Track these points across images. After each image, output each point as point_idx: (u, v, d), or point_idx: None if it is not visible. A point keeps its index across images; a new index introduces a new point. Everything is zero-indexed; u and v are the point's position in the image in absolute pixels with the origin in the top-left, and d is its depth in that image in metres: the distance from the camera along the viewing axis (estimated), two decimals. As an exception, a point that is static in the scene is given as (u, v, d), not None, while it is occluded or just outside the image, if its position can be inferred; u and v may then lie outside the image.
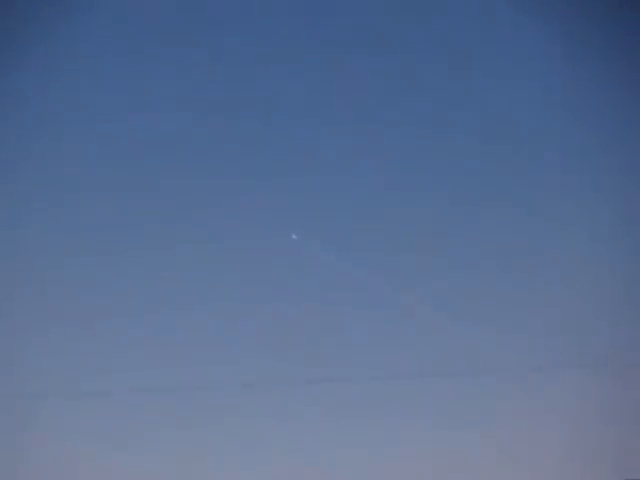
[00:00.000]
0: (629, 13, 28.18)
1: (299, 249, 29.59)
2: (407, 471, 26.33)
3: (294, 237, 28.40)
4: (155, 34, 32.75)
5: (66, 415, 27.86)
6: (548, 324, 28.03)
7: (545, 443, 25.85)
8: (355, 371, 28.49)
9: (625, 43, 28.42)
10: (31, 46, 30.87)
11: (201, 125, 32.84)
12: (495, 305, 29.11)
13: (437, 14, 32.23)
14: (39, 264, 30.59)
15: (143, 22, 32.66)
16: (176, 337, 30.10)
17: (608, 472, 24.72)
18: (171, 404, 28.40)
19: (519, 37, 30.56)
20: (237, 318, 30.41)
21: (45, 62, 31.53)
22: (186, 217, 31.70)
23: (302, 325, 29.89)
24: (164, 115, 32.63)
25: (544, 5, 29.36)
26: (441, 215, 30.97)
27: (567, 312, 27.84)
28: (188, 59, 32.88)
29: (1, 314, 29.25)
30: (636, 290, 27.08)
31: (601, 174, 29.50)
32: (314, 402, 28.19)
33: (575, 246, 28.96)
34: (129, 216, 31.77)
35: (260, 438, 27.93)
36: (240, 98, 32.74)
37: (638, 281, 27.21)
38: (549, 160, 30.71)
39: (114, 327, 30.05)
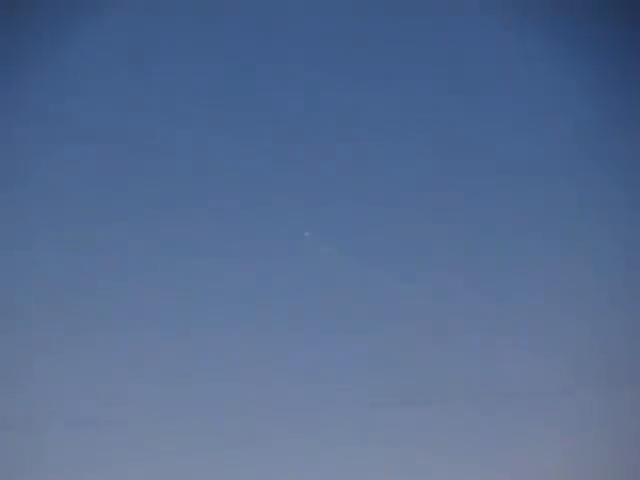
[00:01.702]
0: (628, 14, 28.27)
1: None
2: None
3: (306, 234, 28.31)
4: (156, 36, 32.88)
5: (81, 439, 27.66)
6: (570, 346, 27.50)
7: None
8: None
9: (624, 44, 28.48)
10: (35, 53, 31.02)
11: (206, 128, 32.88)
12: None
13: (435, 18, 32.38)
14: (42, 280, 30.54)
15: (146, 25, 32.79)
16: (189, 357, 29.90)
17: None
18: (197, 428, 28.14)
19: (519, 43, 30.59)
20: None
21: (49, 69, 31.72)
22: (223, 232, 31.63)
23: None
24: (165, 118, 32.68)
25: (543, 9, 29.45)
26: (447, 226, 30.85)
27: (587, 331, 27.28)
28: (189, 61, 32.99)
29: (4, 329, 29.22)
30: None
31: (606, 174, 29.44)
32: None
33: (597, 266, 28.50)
34: (151, 226, 31.76)
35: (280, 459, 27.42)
36: (249, 101, 32.83)
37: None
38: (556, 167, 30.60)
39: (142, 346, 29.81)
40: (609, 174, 28.82)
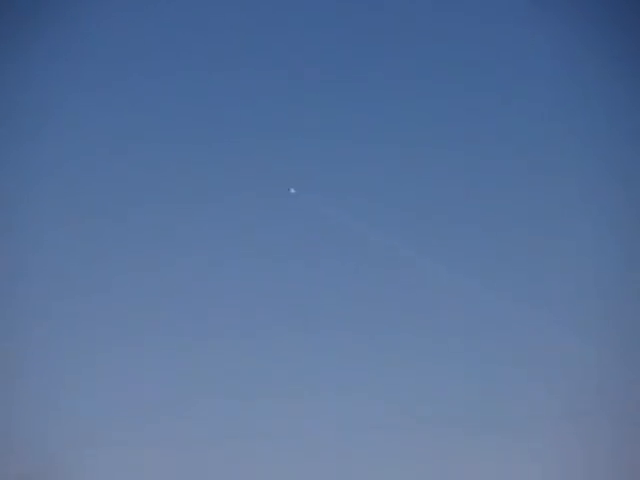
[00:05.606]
0: (630, 16, 27.96)
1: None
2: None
3: (292, 190, 27.98)
4: (158, 43, 32.60)
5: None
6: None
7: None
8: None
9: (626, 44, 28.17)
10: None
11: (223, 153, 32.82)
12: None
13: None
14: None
15: (147, 31, 32.50)
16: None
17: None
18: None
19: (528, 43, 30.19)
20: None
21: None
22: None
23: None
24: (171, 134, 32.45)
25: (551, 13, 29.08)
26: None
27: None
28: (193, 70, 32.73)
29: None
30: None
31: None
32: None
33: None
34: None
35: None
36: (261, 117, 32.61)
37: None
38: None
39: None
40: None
